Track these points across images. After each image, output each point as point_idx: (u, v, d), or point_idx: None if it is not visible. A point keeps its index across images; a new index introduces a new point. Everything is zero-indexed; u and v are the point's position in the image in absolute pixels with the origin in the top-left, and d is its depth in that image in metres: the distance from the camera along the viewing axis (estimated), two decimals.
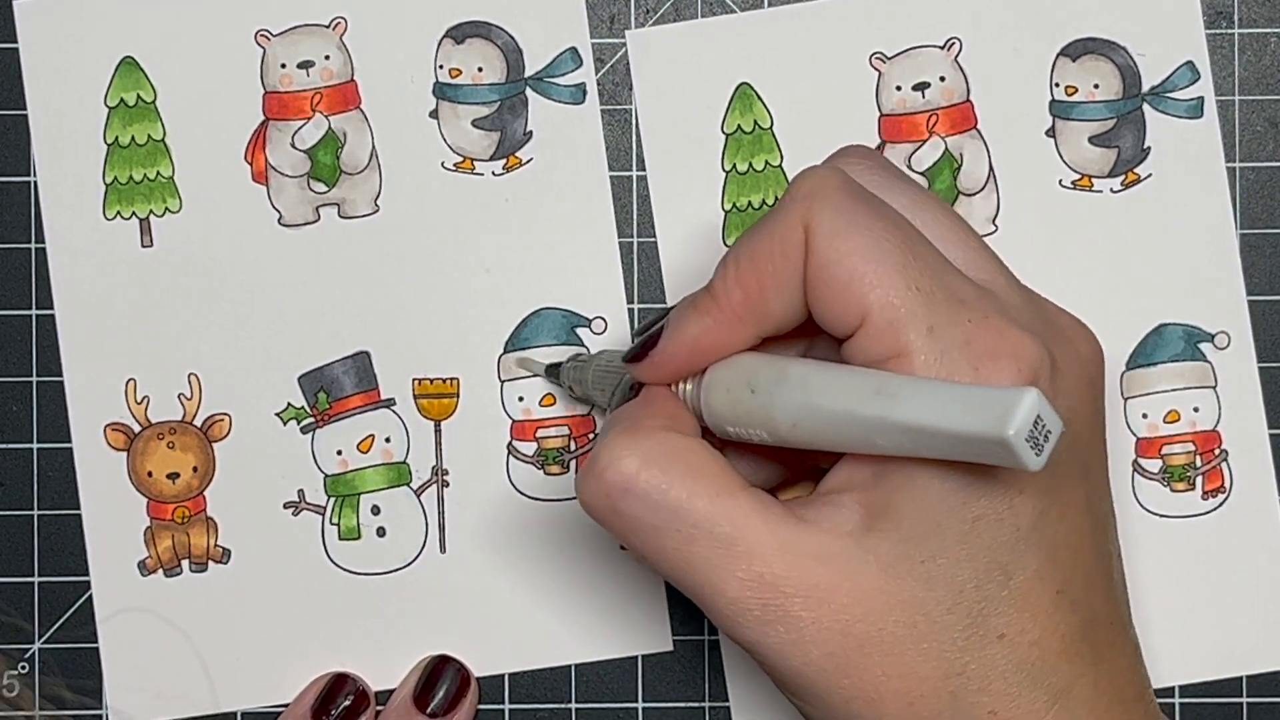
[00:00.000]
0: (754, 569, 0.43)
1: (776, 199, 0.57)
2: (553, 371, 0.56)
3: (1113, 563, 0.46)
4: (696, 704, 0.58)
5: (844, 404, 0.42)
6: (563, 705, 0.58)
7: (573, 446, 0.58)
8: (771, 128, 0.58)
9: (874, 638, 0.43)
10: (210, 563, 0.57)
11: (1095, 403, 0.47)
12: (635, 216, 0.58)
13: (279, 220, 0.58)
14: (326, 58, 0.58)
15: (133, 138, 0.58)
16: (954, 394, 0.40)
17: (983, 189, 0.57)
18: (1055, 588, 0.43)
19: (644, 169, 0.58)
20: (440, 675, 0.56)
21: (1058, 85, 0.57)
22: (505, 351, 0.58)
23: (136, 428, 0.58)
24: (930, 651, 0.43)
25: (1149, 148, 0.57)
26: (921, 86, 0.58)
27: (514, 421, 0.58)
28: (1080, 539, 0.45)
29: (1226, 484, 0.57)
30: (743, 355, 0.46)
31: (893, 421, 0.41)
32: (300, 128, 0.58)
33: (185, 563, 0.57)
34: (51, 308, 0.58)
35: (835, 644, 0.43)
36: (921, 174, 0.57)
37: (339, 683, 0.56)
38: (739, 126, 0.58)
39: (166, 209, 0.58)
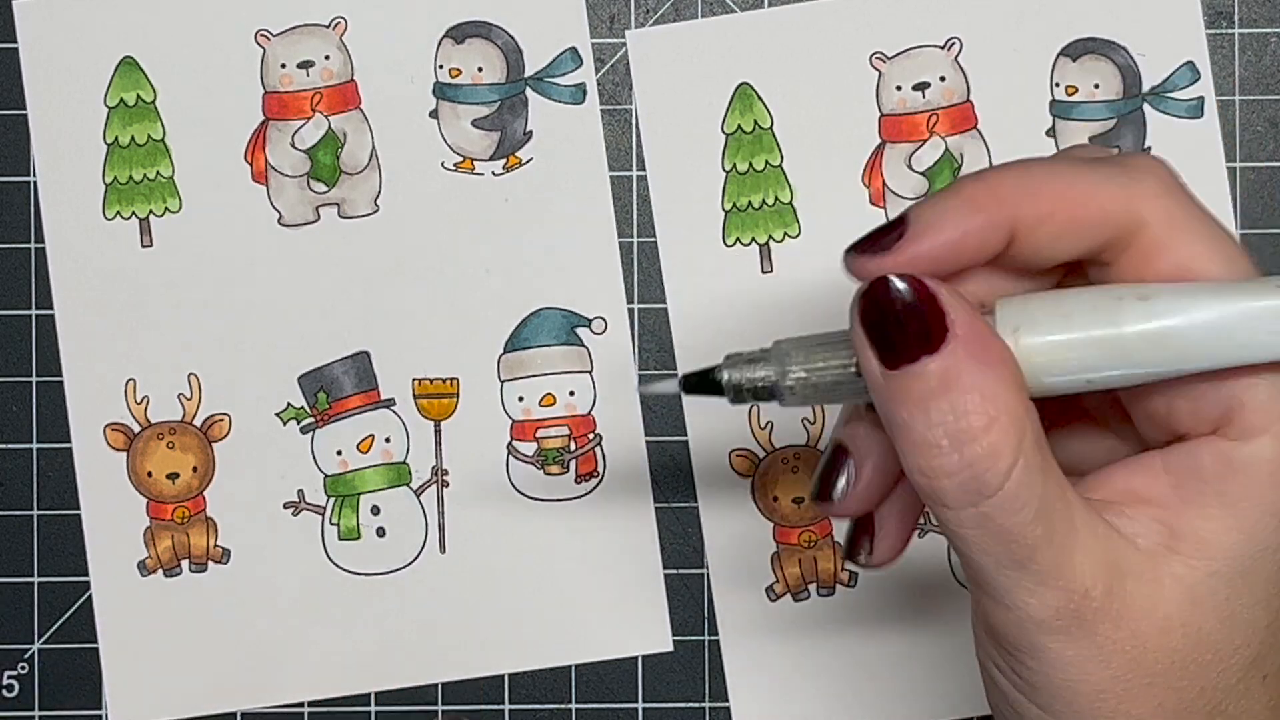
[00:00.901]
0: (1083, 581, 0.39)
1: (777, 199, 0.57)
2: (698, 383, 0.41)
3: None
4: (696, 704, 0.58)
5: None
6: (563, 705, 0.58)
7: (572, 446, 0.58)
8: (771, 127, 0.58)
9: (1163, 669, 0.40)
10: (210, 563, 0.57)
11: None
12: (635, 216, 0.58)
13: (279, 220, 0.58)
14: (326, 58, 0.58)
15: (132, 138, 0.58)
16: None
17: None
18: None
19: (644, 169, 0.58)
20: None
21: (1058, 85, 0.57)
22: (505, 351, 0.58)
23: (136, 428, 0.58)
24: (1206, 690, 0.41)
25: (1149, 148, 0.57)
26: (922, 86, 0.57)
27: (514, 421, 0.58)
28: None
29: None
30: (1048, 294, 0.39)
31: None
32: (300, 128, 0.58)
33: (185, 563, 0.57)
34: (51, 308, 0.57)
35: (1125, 668, 0.40)
36: (921, 174, 0.57)
37: None
38: (739, 126, 0.58)
39: (166, 209, 0.58)
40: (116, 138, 0.58)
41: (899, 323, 0.38)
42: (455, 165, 0.58)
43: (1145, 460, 0.41)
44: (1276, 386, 0.40)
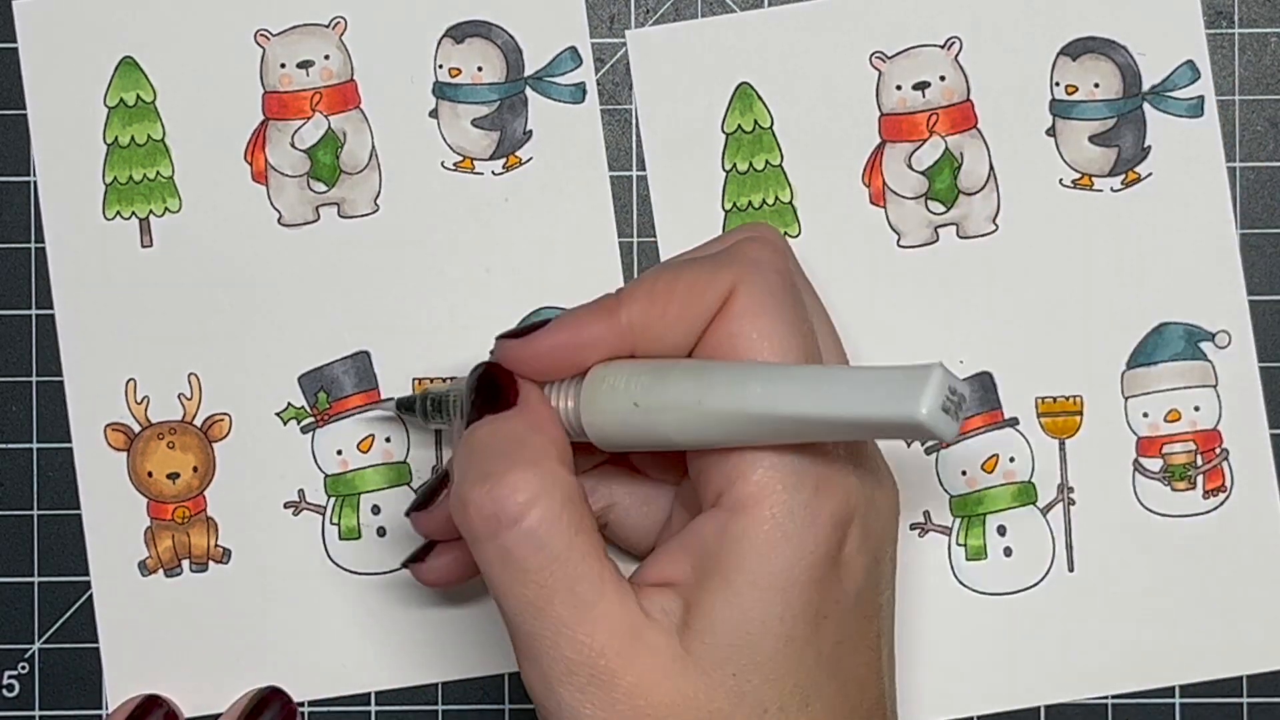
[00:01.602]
0: (598, 639, 0.43)
1: (778, 199, 0.57)
2: (405, 406, 0.55)
3: (887, 702, 0.47)
4: None
5: (735, 402, 0.42)
6: None
7: None
8: (772, 127, 0.58)
9: None
10: (210, 563, 0.57)
11: (894, 545, 0.48)
12: (635, 216, 0.58)
13: (279, 220, 0.58)
14: (326, 58, 0.58)
15: (132, 138, 0.58)
16: (862, 380, 0.41)
17: (983, 188, 0.57)
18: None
19: (644, 169, 0.58)
20: (266, 707, 0.56)
21: (1058, 84, 0.57)
22: None
23: (136, 428, 0.57)
24: None
25: (1149, 147, 0.57)
26: (922, 86, 0.57)
27: None
28: (868, 673, 0.45)
29: (1227, 483, 0.57)
30: (620, 364, 0.46)
31: (805, 416, 0.41)
32: (300, 128, 0.58)
33: (185, 563, 0.57)
34: (51, 308, 0.57)
35: None
36: (921, 173, 0.57)
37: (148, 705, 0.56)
38: (739, 126, 0.58)
39: (166, 209, 0.58)
40: (116, 138, 0.58)
41: (487, 390, 0.47)
42: (455, 165, 0.58)
43: (669, 542, 0.45)
44: (775, 467, 0.43)
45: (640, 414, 0.44)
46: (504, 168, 0.58)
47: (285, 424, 0.58)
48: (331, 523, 0.57)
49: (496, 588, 0.44)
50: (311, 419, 0.58)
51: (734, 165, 0.58)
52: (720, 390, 0.42)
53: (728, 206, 0.58)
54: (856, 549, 0.44)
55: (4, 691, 0.57)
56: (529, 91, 0.58)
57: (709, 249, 0.48)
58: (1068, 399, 0.57)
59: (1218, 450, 0.57)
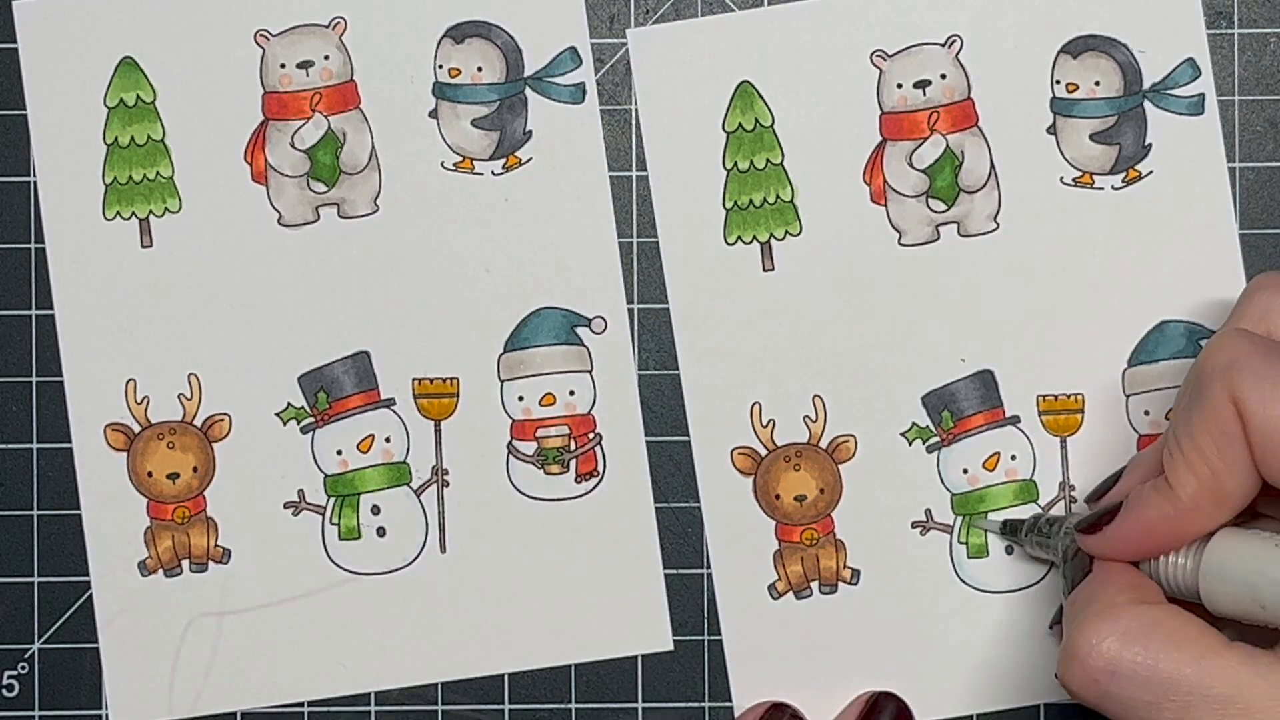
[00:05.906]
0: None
1: (779, 197, 0.57)
2: (1010, 529, 0.56)
3: None
4: (696, 704, 0.58)
5: None
6: (563, 705, 0.57)
7: (572, 446, 0.58)
8: (772, 125, 0.58)
9: None
10: (210, 563, 0.57)
11: None
12: (635, 216, 0.58)
13: (279, 220, 0.58)
14: (326, 58, 0.58)
15: (132, 138, 0.58)
16: None
17: (984, 186, 0.57)
18: None
19: (644, 169, 0.58)
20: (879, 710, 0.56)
21: (1059, 82, 0.57)
22: (505, 351, 0.57)
23: (136, 428, 0.57)
24: None
25: (1150, 145, 0.57)
26: (922, 84, 0.58)
27: (514, 421, 0.57)
28: None
29: None
30: (1244, 546, 0.46)
31: None
32: (300, 128, 0.58)
33: (185, 563, 0.57)
34: (51, 308, 0.57)
35: None
36: (922, 172, 0.57)
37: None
38: (740, 125, 0.58)
39: (166, 209, 0.58)
40: (116, 138, 0.58)
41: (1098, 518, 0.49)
42: (455, 165, 0.58)
43: None
44: None
45: (1265, 614, 0.45)
46: (504, 168, 0.58)
47: (285, 424, 0.58)
48: (331, 523, 0.57)
49: None
50: (311, 419, 0.57)
51: (735, 164, 0.58)
52: None
53: (728, 205, 0.58)
54: None
55: (4, 691, 0.57)
56: (529, 92, 0.58)
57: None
58: (1069, 397, 0.57)
59: None
